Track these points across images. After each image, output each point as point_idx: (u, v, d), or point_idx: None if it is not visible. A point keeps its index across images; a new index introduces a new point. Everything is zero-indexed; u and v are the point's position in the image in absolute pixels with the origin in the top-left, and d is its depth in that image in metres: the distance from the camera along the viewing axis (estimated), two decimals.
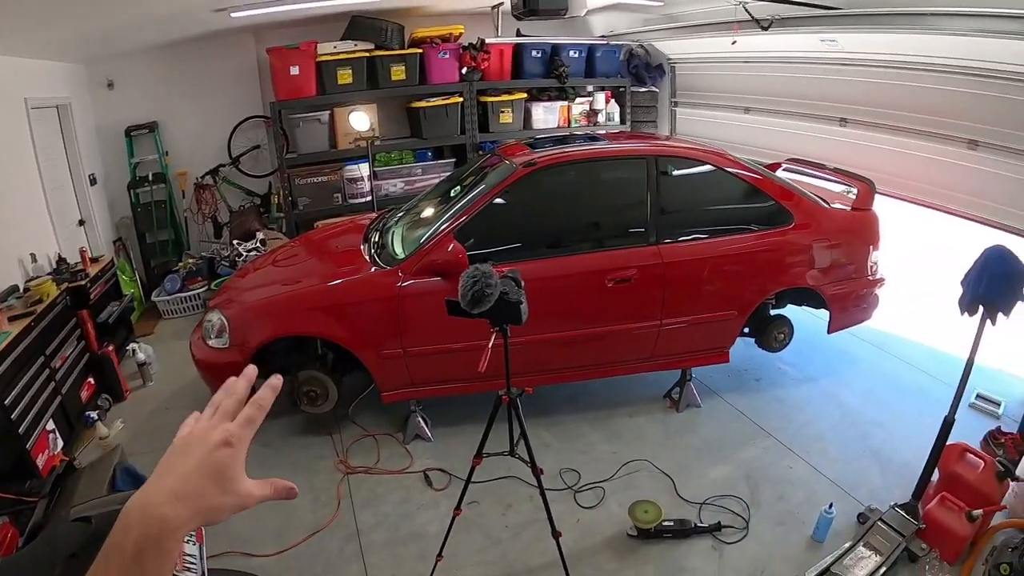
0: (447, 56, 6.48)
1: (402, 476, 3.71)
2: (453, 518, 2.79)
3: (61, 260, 4.74)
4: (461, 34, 6.56)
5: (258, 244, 6.21)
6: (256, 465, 3.55)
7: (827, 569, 2.83)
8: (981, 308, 2.82)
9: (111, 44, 5.57)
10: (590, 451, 3.88)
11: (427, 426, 4.02)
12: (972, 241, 3.86)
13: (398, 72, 6.37)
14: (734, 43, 5.48)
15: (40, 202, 4.94)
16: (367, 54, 6.23)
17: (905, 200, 5.02)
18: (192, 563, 2.00)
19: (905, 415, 4.09)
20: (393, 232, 4.20)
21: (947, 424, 2.99)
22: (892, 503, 3.11)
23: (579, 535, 3.21)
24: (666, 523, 3.16)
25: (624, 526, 3.24)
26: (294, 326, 3.74)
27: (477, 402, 4.01)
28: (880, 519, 3.06)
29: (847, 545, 2.98)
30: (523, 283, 2.40)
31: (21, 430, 3.42)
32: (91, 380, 4.46)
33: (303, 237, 5.25)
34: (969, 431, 3.57)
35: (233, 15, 5.13)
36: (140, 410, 4.53)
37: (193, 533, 2.11)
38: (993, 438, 3.69)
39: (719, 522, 3.24)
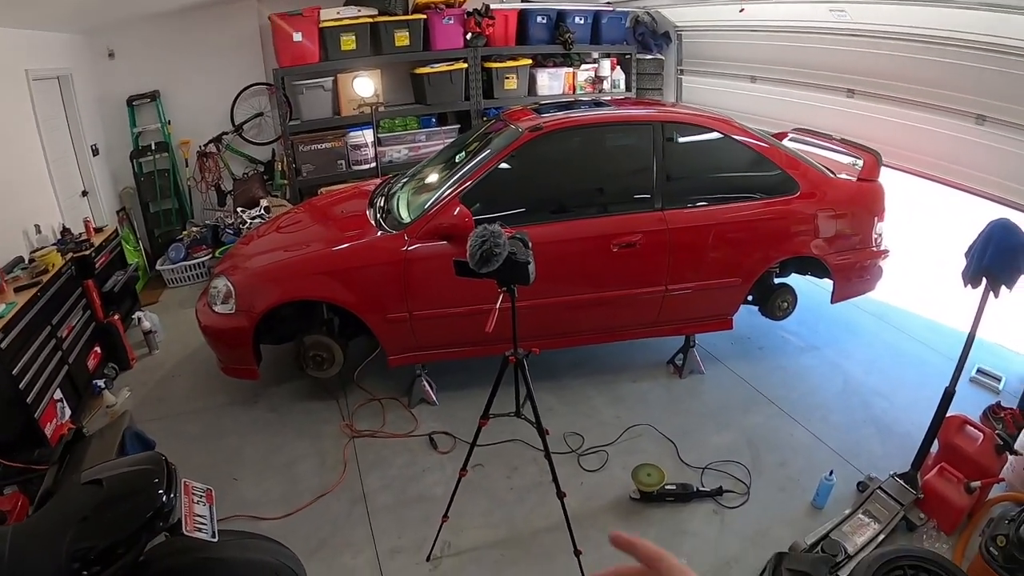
0: (451, 22, 6.41)
1: (407, 440, 3.75)
2: (459, 479, 2.81)
3: (65, 231, 4.70)
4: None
5: (262, 211, 6.20)
6: (261, 429, 3.60)
7: (826, 535, 2.85)
8: (984, 280, 2.80)
9: (111, 12, 5.48)
10: (594, 415, 3.91)
11: (432, 390, 4.05)
12: (976, 215, 3.84)
13: (402, 38, 6.31)
14: (742, 11, 5.43)
15: (43, 174, 4.90)
16: (370, 20, 6.18)
17: (911, 173, 5.01)
18: (203, 523, 2.01)
19: (906, 386, 4.11)
20: (398, 197, 4.17)
21: (947, 395, 2.98)
22: (891, 472, 3.13)
23: (583, 498, 3.24)
24: (668, 487, 3.20)
25: (627, 489, 3.27)
26: (300, 290, 3.73)
27: (480, 367, 4.05)
28: (879, 488, 3.08)
29: (847, 512, 3.00)
30: (531, 244, 2.39)
31: (29, 400, 3.40)
32: (97, 349, 4.46)
33: (307, 203, 5.22)
34: (969, 405, 3.58)
35: None
36: (147, 378, 4.55)
37: (203, 493, 2.12)
38: (993, 412, 3.70)
39: (720, 487, 3.28)
